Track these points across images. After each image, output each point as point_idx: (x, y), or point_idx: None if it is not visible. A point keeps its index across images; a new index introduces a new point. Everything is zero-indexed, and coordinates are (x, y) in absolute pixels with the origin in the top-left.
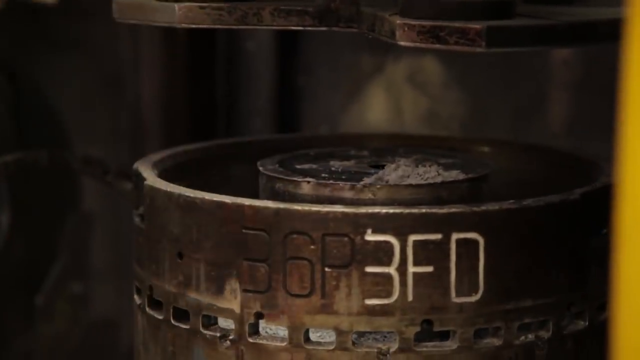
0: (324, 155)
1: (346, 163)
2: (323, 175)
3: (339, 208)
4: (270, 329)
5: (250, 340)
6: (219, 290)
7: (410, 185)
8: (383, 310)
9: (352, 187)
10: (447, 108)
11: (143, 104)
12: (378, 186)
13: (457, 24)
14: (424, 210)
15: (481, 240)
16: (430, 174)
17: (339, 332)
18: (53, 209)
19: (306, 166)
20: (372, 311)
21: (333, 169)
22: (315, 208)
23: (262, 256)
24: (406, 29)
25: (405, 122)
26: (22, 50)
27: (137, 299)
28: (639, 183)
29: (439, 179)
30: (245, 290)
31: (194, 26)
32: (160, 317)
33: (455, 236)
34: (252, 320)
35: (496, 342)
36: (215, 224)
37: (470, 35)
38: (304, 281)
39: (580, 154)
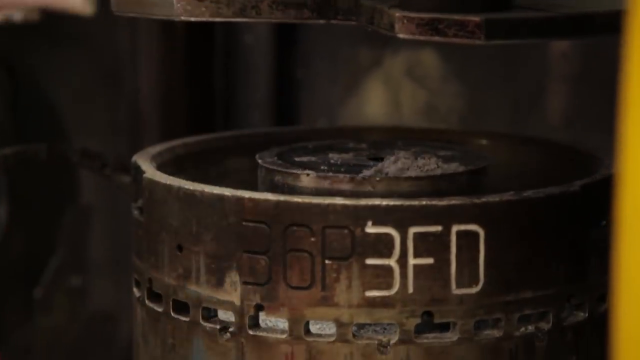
0: (322, 148)
1: (345, 156)
2: (322, 167)
3: (339, 200)
4: (270, 321)
5: (251, 332)
6: (219, 283)
7: (410, 178)
8: (383, 302)
9: (352, 180)
10: (445, 101)
11: (141, 97)
12: (378, 178)
13: (456, 17)
14: (424, 203)
15: (481, 232)
16: (430, 166)
17: (339, 324)
18: (52, 203)
19: (305, 159)
20: (373, 303)
21: (332, 161)
22: (316, 200)
23: (262, 248)
24: (405, 21)
25: (404, 115)
26: (21, 43)
27: (136, 292)
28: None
29: (438, 171)
30: (245, 283)
31: (192, 19)
32: (160, 310)
33: (455, 228)
34: (252, 312)
35: (496, 333)
36: (215, 217)
37: (470, 28)
38: (304, 273)
39: (579, 146)
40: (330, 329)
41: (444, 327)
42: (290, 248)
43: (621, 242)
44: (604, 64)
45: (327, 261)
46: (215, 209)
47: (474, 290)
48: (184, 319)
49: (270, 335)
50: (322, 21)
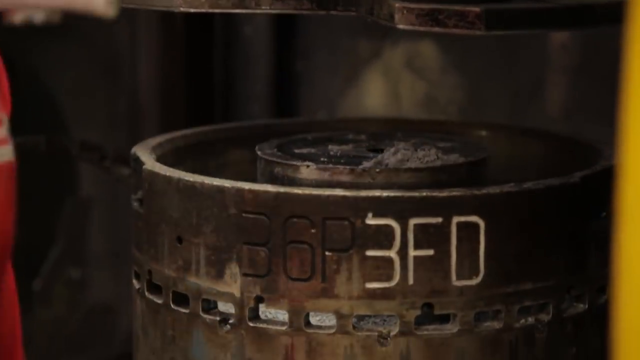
0: (322, 140)
1: (344, 147)
2: (322, 159)
3: (339, 192)
4: (270, 313)
5: (251, 324)
6: (219, 275)
7: (410, 169)
8: (383, 294)
9: (352, 171)
10: (445, 93)
11: (141, 90)
12: (377, 170)
13: (456, 7)
14: (424, 194)
15: (482, 224)
16: (430, 157)
17: (340, 315)
18: (51, 195)
19: (304, 150)
20: (373, 295)
21: (331, 153)
22: (316, 192)
23: (262, 240)
24: (405, 11)
25: (403, 107)
26: (21, 37)
27: (136, 284)
28: None
29: (438, 163)
30: (245, 274)
31: (192, 10)
32: (160, 302)
33: (455, 219)
34: (252, 304)
35: (496, 325)
36: (215, 208)
37: (470, 18)
38: (304, 265)
39: (579, 138)
40: (330, 320)
41: (444, 319)
42: (290, 240)
43: (622, 233)
44: (604, 56)
45: (327, 253)
46: (215, 200)
47: (474, 281)
48: (183, 310)
49: (270, 327)
50: (321, 12)
